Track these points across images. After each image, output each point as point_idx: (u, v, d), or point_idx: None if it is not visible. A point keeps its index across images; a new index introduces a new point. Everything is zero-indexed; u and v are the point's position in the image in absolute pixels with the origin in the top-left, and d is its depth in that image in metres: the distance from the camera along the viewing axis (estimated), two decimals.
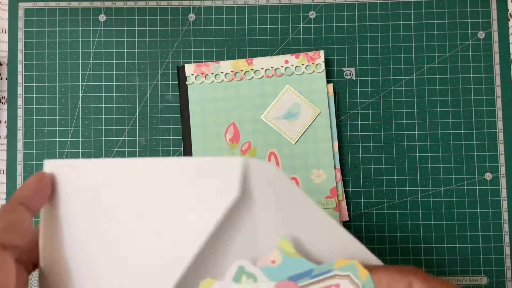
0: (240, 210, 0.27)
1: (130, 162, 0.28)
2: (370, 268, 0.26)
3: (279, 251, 0.25)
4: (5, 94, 0.48)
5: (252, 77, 0.47)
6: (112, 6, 0.49)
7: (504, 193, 0.47)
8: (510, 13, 0.49)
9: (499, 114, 0.48)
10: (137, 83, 0.48)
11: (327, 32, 0.49)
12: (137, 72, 0.48)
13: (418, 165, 0.48)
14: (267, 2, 0.49)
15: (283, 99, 0.46)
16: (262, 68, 0.47)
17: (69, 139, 0.48)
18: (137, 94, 0.48)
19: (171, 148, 0.48)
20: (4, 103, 0.48)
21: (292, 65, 0.47)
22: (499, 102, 0.48)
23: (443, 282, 0.25)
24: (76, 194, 0.28)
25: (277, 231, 0.27)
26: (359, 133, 0.48)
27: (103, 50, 0.49)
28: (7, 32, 0.49)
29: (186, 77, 0.47)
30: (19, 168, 0.48)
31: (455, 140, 0.48)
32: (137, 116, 0.48)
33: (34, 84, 0.48)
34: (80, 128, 0.48)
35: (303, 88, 0.47)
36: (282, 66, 0.47)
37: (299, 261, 0.25)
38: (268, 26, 0.49)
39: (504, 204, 0.47)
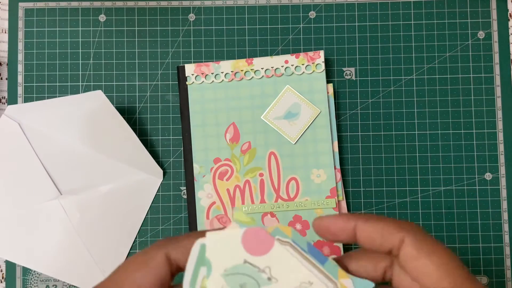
0: None
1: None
2: (369, 217, 0.26)
3: (237, 223, 0.26)
4: (5, 94, 0.48)
5: (252, 77, 0.47)
6: (112, 6, 0.49)
7: (504, 193, 0.47)
8: (510, 13, 0.49)
9: (499, 114, 0.48)
10: (137, 83, 0.48)
11: (327, 32, 0.49)
12: (137, 72, 0.48)
13: (418, 165, 0.48)
14: (267, 2, 0.49)
15: (283, 99, 0.46)
16: (262, 68, 0.47)
17: None
18: (137, 94, 0.48)
19: (171, 148, 0.48)
20: (4, 103, 0.48)
21: (292, 65, 0.47)
22: (499, 102, 0.48)
23: (435, 242, 0.24)
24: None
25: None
26: (359, 133, 0.48)
27: (103, 50, 0.49)
28: (7, 32, 0.49)
29: (186, 77, 0.47)
30: None
31: (455, 140, 0.48)
32: (137, 116, 0.48)
33: (34, 84, 0.48)
34: None
35: (303, 88, 0.47)
36: (282, 66, 0.47)
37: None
38: (268, 26, 0.49)
39: (504, 204, 0.47)
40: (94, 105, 0.44)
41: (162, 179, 0.47)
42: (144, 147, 0.46)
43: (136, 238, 0.47)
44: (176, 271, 0.26)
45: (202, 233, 0.26)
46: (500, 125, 0.48)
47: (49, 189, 0.45)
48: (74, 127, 0.45)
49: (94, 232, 0.46)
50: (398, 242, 0.25)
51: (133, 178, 0.47)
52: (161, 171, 0.47)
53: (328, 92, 0.47)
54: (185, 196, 0.47)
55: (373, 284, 0.26)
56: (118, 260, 0.46)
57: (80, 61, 0.48)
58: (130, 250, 0.47)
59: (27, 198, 0.45)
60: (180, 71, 0.47)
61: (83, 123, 0.45)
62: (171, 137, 0.48)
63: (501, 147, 0.48)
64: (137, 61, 0.49)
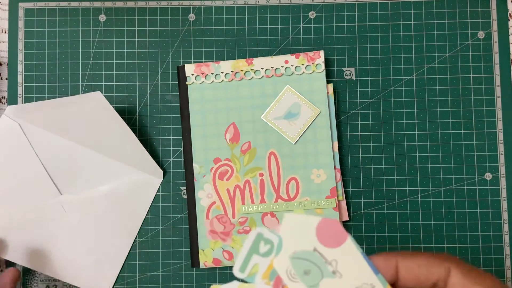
0: None
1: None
2: (406, 254, 0.26)
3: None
4: (5, 94, 0.48)
5: (252, 77, 0.47)
6: (112, 6, 0.49)
7: (504, 193, 0.47)
8: (510, 13, 0.49)
9: (499, 114, 0.48)
10: (137, 83, 0.48)
11: (327, 32, 0.49)
12: (137, 72, 0.48)
13: (418, 165, 0.48)
14: (267, 2, 0.49)
15: (283, 99, 0.46)
16: (262, 68, 0.47)
17: None
18: (137, 94, 0.48)
19: (171, 148, 0.48)
20: (4, 103, 0.48)
21: (292, 65, 0.47)
22: (499, 102, 0.48)
23: (480, 270, 0.25)
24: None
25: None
26: (359, 133, 0.48)
27: (103, 50, 0.49)
28: (7, 32, 0.49)
29: (186, 77, 0.47)
30: None
31: (455, 140, 0.48)
32: (137, 116, 0.48)
33: (34, 84, 0.48)
34: None
35: (303, 88, 0.47)
36: (282, 66, 0.47)
37: None
38: (268, 26, 0.49)
39: (504, 204, 0.47)
40: (93, 105, 0.44)
41: (162, 179, 0.47)
42: (143, 147, 0.46)
43: (136, 238, 0.47)
44: None
45: None
46: (500, 125, 0.48)
47: (50, 189, 0.45)
48: (74, 128, 0.45)
49: (95, 232, 0.46)
50: (445, 273, 0.25)
51: (133, 178, 0.47)
52: (161, 171, 0.47)
53: (328, 92, 0.47)
54: (185, 196, 0.47)
55: None
56: (117, 260, 0.46)
57: (80, 61, 0.48)
58: (130, 250, 0.47)
59: (27, 198, 0.45)
60: (180, 71, 0.47)
61: (82, 124, 0.45)
62: (171, 137, 0.48)
63: (501, 147, 0.48)
64: (137, 61, 0.49)
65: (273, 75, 0.47)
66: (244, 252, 0.26)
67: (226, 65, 0.47)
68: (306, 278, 0.25)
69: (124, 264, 0.47)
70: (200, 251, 0.46)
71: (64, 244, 0.46)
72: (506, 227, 0.47)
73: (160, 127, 0.48)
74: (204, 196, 0.46)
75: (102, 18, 0.49)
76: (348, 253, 0.26)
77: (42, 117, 0.45)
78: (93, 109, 0.45)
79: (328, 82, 0.47)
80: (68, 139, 0.46)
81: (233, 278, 0.47)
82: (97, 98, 0.44)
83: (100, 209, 0.46)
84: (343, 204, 0.47)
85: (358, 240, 0.47)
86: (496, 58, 0.48)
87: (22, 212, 0.45)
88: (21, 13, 0.49)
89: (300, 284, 0.25)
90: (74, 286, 0.46)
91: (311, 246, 0.26)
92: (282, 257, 0.26)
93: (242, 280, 0.26)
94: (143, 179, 0.47)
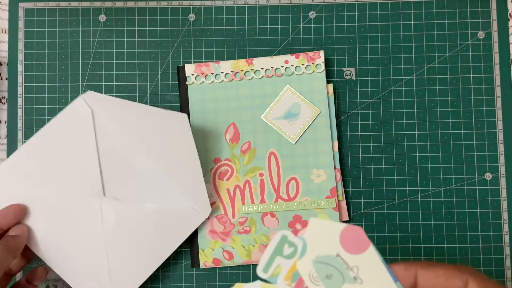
0: None
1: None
2: (426, 264, 0.26)
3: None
4: (5, 94, 0.48)
5: (252, 77, 0.47)
6: (112, 6, 0.49)
7: (504, 193, 0.47)
8: (510, 13, 0.49)
9: (499, 114, 0.48)
10: (137, 83, 0.48)
11: (327, 32, 0.49)
12: (137, 72, 0.48)
13: (418, 165, 0.48)
14: (267, 2, 0.49)
15: (283, 99, 0.46)
16: (262, 68, 0.47)
17: None
18: (137, 94, 0.48)
19: None
20: (4, 103, 0.48)
21: (292, 65, 0.47)
22: (499, 102, 0.48)
23: (498, 284, 0.25)
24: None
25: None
26: (359, 133, 0.48)
27: (103, 50, 0.49)
28: (7, 32, 0.49)
29: (186, 77, 0.47)
30: None
31: (455, 140, 0.48)
32: None
33: (34, 84, 0.48)
34: None
35: (303, 88, 0.47)
36: (282, 66, 0.47)
37: None
38: (268, 26, 0.49)
39: (504, 204, 0.47)
40: (174, 124, 0.43)
41: (207, 216, 0.45)
42: (203, 182, 0.44)
43: None
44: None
45: None
46: (500, 125, 0.48)
47: (95, 186, 0.43)
48: (145, 137, 0.43)
49: (121, 247, 0.43)
50: (462, 285, 0.25)
51: (181, 206, 0.44)
52: (209, 209, 0.45)
53: (328, 92, 0.47)
54: None
55: None
56: (133, 282, 0.44)
57: (80, 61, 0.49)
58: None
59: (69, 189, 0.43)
60: (180, 71, 0.47)
61: (155, 137, 0.43)
62: None
63: (501, 147, 0.48)
64: (137, 61, 0.49)
65: (273, 75, 0.47)
66: (268, 253, 0.27)
67: (226, 65, 0.47)
68: (327, 282, 0.26)
69: None
70: (200, 251, 0.46)
71: (86, 247, 0.43)
72: (506, 227, 0.47)
73: None
74: None
75: (102, 18, 0.49)
76: (370, 260, 0.26)
77: (118, 113, 0.43)
78: (172, 127, 0.43)
79: (328, 82, 0.47)
80: (136, 145, 0.43)
81: (232, 278, 0.47)
82: (181, 119, 0.43)
83: (137, 226, 0.43)
84: (343, 204, 0.47)
85: None
86: (496, 58, 0.48)
87: (57, 203, 0.42)
88: (21, 13, 0.49)
89: (321, 287, 0.26)
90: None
91: (335, 251, 0.27)
92: (306, 260, 0.27)
93: (265, 280, 0.27)
94: (189, 210, 0.44)
